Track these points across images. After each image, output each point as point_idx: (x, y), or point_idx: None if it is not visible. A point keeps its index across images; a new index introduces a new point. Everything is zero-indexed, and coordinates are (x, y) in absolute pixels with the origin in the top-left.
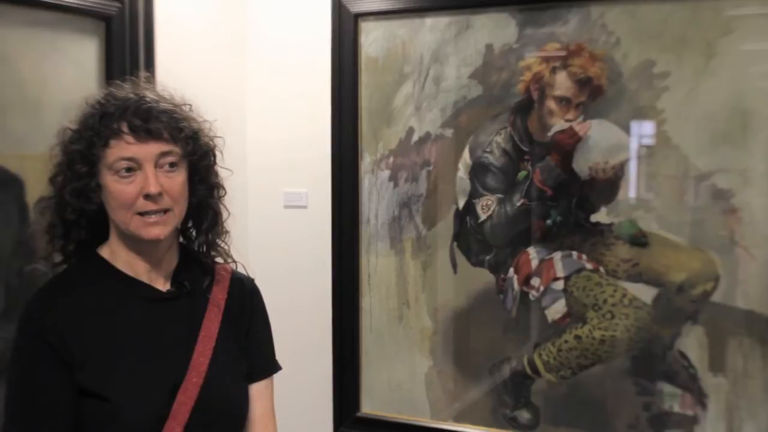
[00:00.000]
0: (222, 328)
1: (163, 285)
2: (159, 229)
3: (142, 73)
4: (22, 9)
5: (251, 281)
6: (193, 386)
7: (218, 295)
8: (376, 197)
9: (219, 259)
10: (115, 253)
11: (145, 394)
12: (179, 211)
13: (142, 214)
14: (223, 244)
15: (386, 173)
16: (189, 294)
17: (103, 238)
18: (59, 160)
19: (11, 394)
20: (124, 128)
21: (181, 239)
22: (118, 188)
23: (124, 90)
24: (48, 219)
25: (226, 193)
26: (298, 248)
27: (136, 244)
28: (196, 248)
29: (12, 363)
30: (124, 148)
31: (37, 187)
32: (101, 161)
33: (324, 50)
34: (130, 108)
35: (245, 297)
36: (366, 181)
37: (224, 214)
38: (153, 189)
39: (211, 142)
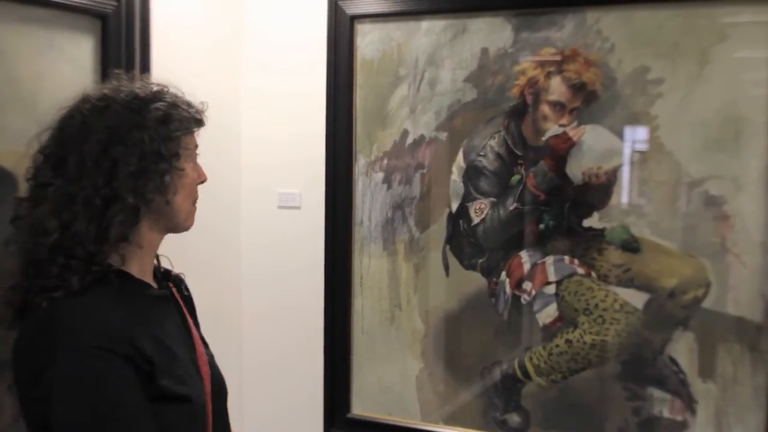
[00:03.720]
0: (193, 321)
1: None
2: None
3: (136, 71)
4: (19, 6)
5: (181, 275)
6: (204, 364)
7: (175, 292)
8: (370, 199)
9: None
10: (126, 258)
11: (200, 386)
12: None
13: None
14: None
15: (380, 175)
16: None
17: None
18: (133, 167)
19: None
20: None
21: None
22: (194, 175)
23: (146, 83)
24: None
25: None
26: (291, 249)
27: (156, 243)
28: None
29: (82, 395)
30: (194, 135)
31: None
32: (182, 149)
33: (319, 51)
34: (182, 98)
35: (187, 290)
36: (360, 183)
37: None
38: (206, 176)
39: None
